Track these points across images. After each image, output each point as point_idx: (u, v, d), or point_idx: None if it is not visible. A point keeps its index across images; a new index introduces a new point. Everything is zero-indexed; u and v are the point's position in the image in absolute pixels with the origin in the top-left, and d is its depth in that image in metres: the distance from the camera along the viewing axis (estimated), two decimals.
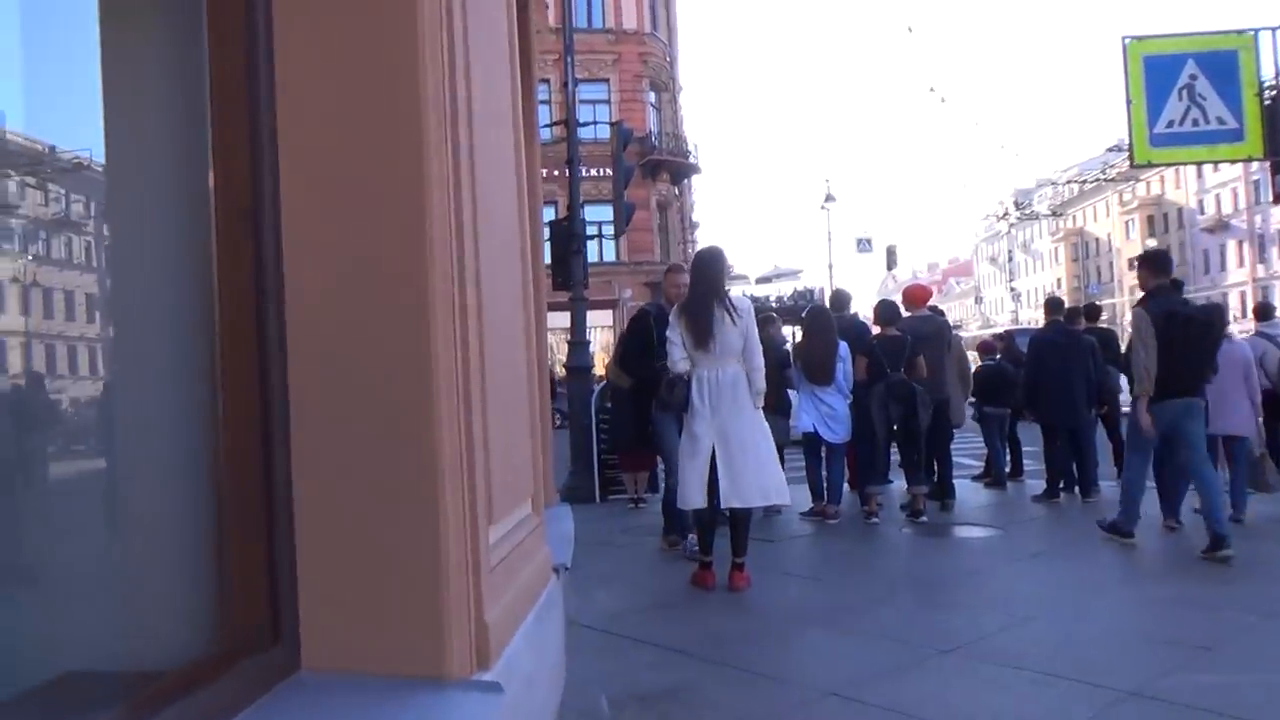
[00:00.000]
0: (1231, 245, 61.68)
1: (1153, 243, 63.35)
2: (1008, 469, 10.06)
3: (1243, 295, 55.71)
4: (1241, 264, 60.69)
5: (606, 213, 15.92)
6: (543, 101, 24.48)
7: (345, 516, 2.10)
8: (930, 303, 9.37)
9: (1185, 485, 6.93)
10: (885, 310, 8.15)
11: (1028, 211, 53.56)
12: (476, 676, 2.15)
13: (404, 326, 2.13)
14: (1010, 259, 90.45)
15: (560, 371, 14.39)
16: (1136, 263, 6.62)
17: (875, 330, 8.29)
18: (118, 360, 2.16)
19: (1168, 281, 6.35)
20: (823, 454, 8.03)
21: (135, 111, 2.09)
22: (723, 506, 5.35)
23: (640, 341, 6.45)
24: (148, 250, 2.09)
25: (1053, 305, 9.30)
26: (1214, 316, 6.40)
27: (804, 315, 8.20)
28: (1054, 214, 64.84)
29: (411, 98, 2.12)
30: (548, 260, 9.91)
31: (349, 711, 1.89)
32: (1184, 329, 6.02)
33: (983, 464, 10.48)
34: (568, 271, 10.31)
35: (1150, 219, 69.71)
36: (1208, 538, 6.10)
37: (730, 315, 5.44)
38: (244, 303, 2.05)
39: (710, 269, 5.59)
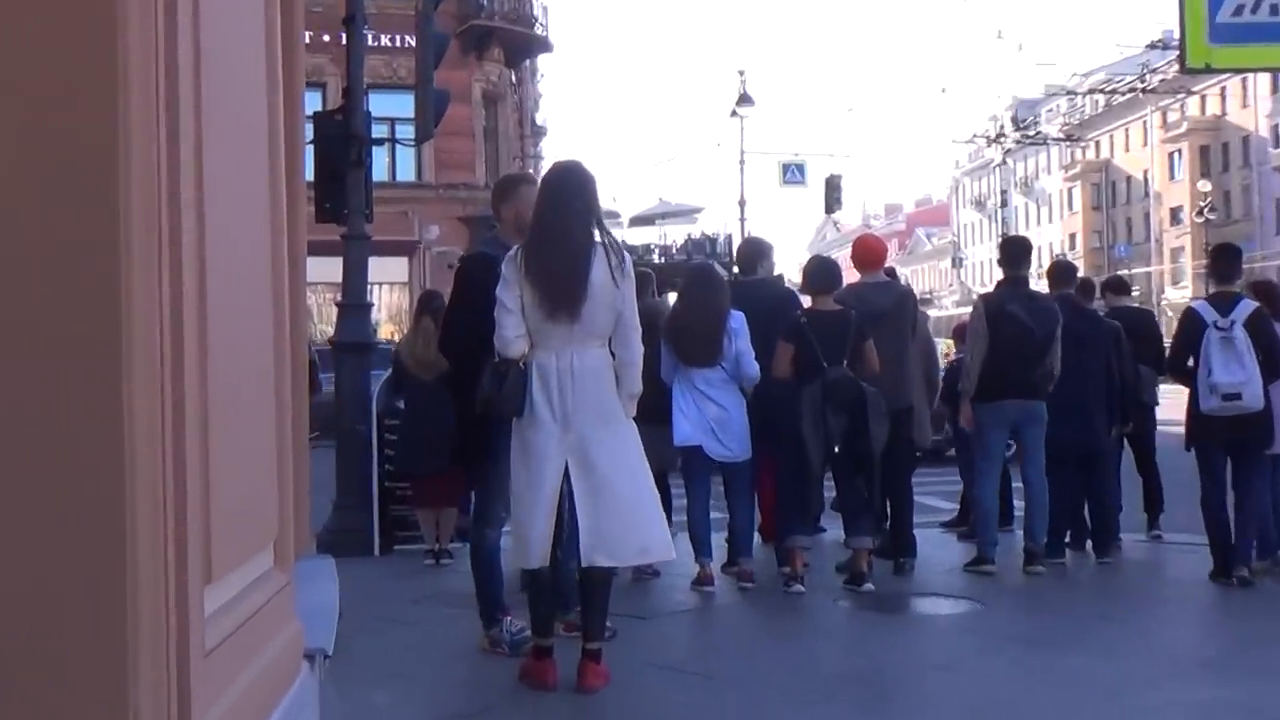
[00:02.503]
0: None
1: (1206, 186, 66.58)
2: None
3: None
4: None
5: (404, 105, 15.60)
6: None
7: None
8: (888, 263, 9.60)
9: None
10: (821, 272, 8.25)
11: (1032, 134, 55.74)
12: None
13: (74, 290, 2.06)
14: (1004, 203, 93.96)
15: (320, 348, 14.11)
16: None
17: (806, 303, 8.43)
18: None
19: (1021, 274, 8.77)
20: (710, 482, 8.16)
21: None
22: (585, 564, 5.35)
23: (476, 309, 6.21)
24: None
25: (1061, 273, 9.69)
26: (1042, 321, 8.42)
27: (683, 275, 8.34)
28: (1069, 139, 67.68)
29: None
30: (310, 176, 9.68)
31: None
32: (1009, 330, 8.35)
33: (957, 505, 10.84)
34: (340, 195, 10.11)
35: (1204, 150, 73.38)
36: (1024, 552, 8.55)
37: (611, 269, 5.36)
38: None
39: (580, 188, 5.44)
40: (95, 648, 2.05)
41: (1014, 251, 9.00)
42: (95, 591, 2.05)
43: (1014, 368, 8.36)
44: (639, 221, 38.98)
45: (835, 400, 7.68)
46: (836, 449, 7.79)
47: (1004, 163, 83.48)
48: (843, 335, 7.84)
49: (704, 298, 7.85)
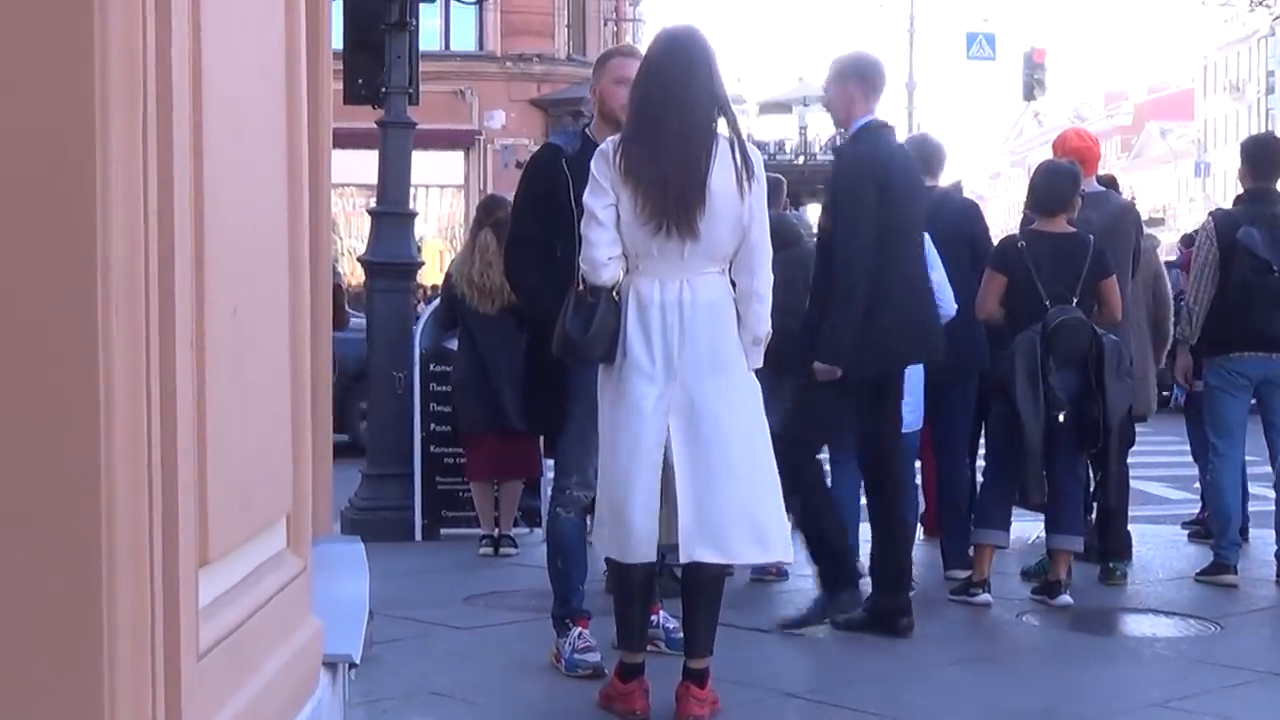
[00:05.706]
0: None
1: None
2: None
3: None
4: None
5: None
6: None
7: None
8: (1103, 168, 9.45)
9: None
10: (1057, 184, 8.03)
11: None
12: None
13: (39, 197, 2.12)
14: (1271, 89, 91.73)
15: (350, 275, 14.28)
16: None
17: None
18: None
19: (1269, 187, 8.50)
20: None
21: None
22: (685, 558, 5.39)
23: (547, 212, 6.28)
24: None
25: None
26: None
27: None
28: None
29: None
30: (337, 45, 9.75)
31: None
32: (1244, 260, 8.22)
33: (1194, 500, 10.71)
34: (377, 69, 10.15)
35: None
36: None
37: (737, 172, 5.37)
38: None
39: (698, 61, 5.45)
40: (63, 645, 2.09)
41: (1260, 154, 8.79)
42: (63, 574, 2.08)
43: (1250, 311, 8.26)
44: (772, 108, 38.73)
45: (1061, 351, 7.61)
46: (1061, 417, 7.70)
47: (1273, 34, 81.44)
48: (1074, 266, 7.77)
49: None
